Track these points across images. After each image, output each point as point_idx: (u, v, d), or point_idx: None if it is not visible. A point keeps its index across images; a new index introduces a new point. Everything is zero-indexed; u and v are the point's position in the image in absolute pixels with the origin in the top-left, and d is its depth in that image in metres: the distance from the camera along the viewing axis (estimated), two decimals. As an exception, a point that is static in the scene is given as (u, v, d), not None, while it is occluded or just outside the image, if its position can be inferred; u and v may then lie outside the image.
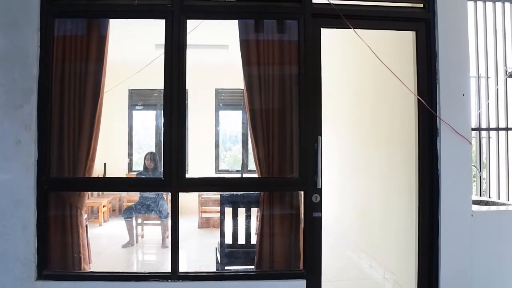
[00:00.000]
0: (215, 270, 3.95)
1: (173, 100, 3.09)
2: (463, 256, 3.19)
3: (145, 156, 6.52)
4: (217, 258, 4.05)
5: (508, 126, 4.62)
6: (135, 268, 5.43)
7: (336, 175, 6.55)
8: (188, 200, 7.46)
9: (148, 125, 9.54)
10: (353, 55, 5.68)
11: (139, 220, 6.48)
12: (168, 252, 3.16)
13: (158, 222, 6.49)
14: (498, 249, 3.33)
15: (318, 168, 3.10)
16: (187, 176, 3.18)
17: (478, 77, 4.68)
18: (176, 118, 3.10)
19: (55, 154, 3.14)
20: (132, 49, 6.84)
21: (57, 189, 3.17)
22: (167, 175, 3.10)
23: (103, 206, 7.83)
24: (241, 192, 3.68)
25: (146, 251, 6.26)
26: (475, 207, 3.43)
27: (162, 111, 3.14)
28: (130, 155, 9.10)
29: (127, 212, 6.26)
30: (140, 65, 5.41)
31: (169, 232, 6.20)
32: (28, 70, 2.99)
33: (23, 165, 2.96)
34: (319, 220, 3.16)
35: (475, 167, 4.45)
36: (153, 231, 6.57)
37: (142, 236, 6.55)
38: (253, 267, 3.41)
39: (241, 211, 3.70)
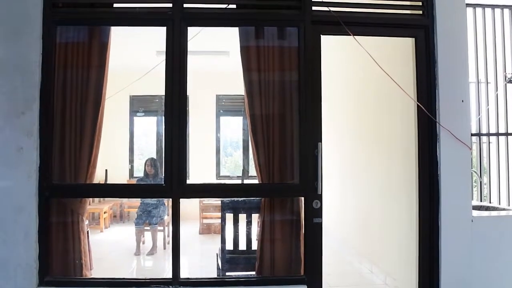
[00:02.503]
0: (216, 276, 3.95)
1: (174, 106, 3.11)
2: (463, 261, 3.19)
3: (146, 162, 6.54)
4: (218, 264, 4.05)
5: (508, 132, 4.64)
6: (136, 275, 5.42)
7: (337, 181, 6.56)
8: (189, 206, 7.48)
9: (149, 131, 9.57)
10: (353, 62, 5.70)
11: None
12: (168, 258, 3.16)
13: (160, 228, 6.51)
14: (498, 254, 3.33)
15: (319, 174, 3.11)
16: (188, 182, 3.19)
17: (478, 82, 4.70)
18: (177, 124, 3.11)
19: (56, 160, 3.14)
20: (134, 55, 6.89)
21: (59, 196, 3.17)
22: (168, 181, 3.11)
23: (104, 212, 7.84)
24: (242, 198, 3.68)
25: (148, 257, 6.25)
26: (475, 213, 3.43)
27: (163, 117, 3.16)
28: (131, 161, 9.12)
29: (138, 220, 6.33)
30: (142, 72, 5.45)
31: (158, 238, 6.32)
32: (30, 78, 3.00)
33: (24, 171, 2.97)
34: (319, 225, 3.16)
35: (475, 172, 4.46)
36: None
37: (143, 242, 6.55)
38: (254, 273, 3.40)
39: (242, 217, 3.70)
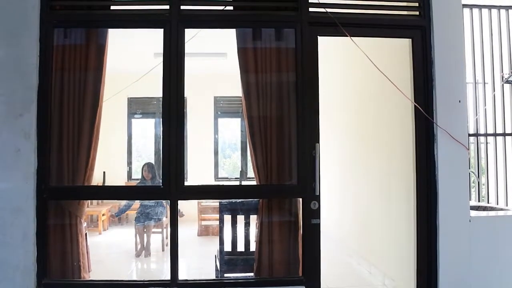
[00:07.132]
0: (214, 278, 3.95)
1: (171, 108, 3.11)
2: (461, 261, 3.19)
3: (143, 168, 6.53)
4: (216, 266, 4.05)
5: (506, 132, 4.65)
6: (134, 277, 5.42)
7: (335, 181, 6.57)
8: (188, 207, 7.47)
9: (147, 133, 9.56)
10: (351, 63, 5.71)
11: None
12: (167, 260, 3.17)
13: (158, 230, 6.51)
14: (496, 254, 3.33)
15: (316, 175, 3.11)
16: (186, 184, 3.19)
17: (475, 83, 4.71)
18: (174, 126, 3.11)
19: (54, 163, 3.14)
20: (131, 58, 6.88)
21: (57, 198, 3.17)
22: (166, 183, 3.11)
23: (103, 215, 7.83)
24: (240, 200, 3.68)
25: (146, 259, 6.24)
26: (473, 213, 3.44)
27: (161, 119, 3.16)
28: (129, 163, 9.12)
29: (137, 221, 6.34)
30: (139, 74, 5.45)
31: (154, 240, 6.30)
32: (28, 80, 3.00)
33: (22, 174, 2.97)
34: (317, 226, 3.16)
35: (473, 173, 4.47)
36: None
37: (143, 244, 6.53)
38: (252, 274, 3.41)
39: (240, 219, 3.70)
